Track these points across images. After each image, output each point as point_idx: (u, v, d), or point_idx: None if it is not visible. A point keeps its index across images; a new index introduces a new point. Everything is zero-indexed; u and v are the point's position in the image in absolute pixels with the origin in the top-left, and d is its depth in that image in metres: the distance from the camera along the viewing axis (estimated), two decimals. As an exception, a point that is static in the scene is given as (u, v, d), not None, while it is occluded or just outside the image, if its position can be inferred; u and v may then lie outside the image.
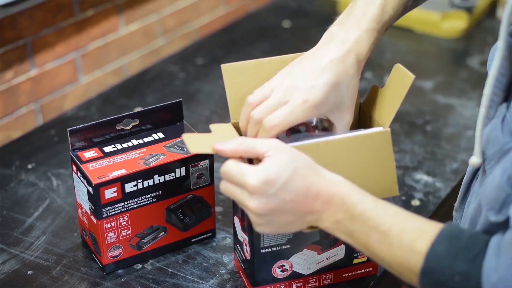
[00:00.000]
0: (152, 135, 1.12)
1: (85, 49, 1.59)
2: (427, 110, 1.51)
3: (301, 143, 0.91)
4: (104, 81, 1.67)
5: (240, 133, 0.97)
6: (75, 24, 1.56)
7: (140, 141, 1.10)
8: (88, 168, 1.04)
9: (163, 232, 1.10)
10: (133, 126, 1.12)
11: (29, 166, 1.33)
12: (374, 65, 1.70)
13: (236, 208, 1.03)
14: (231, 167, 0.85)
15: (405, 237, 0.80)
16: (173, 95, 1.57)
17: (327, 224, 0.85)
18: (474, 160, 0.84)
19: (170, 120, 1.14)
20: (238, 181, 0.85)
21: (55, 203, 1.23)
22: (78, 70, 1.59)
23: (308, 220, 0.86)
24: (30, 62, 1.48)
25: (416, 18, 1.84)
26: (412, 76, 0.93)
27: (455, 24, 1.84)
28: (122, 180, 1.03)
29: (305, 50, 1.71)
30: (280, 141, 0.88)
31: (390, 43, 1.83)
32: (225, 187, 0.87)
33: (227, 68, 0.97)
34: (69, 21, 1.55)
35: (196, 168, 1.08)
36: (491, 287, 0.72)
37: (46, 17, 1.49)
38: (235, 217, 1.04)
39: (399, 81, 0.96)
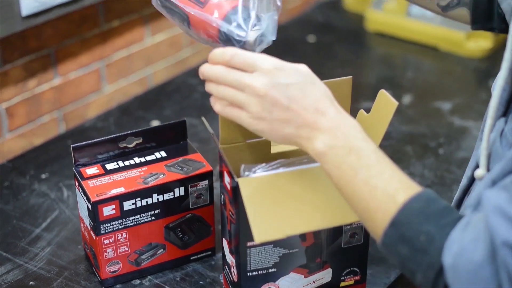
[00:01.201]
0: (155, 153, 1.14)
1: (109, 59, 1.62)
2: (442, 133, 1.51)
3: (283, 170, 0.93)
4: (128, 91, 1.69)
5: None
6: (100, 35, 1.59)
7: (142, 159, 1.12)
8: (89, 185, 1.07)
9: (161, 250, 1.13)
10: (137, 144, 1.14)
11: (43, 176, 1.36)
12: (394, 84, 1.70)
13: (224, 231, 1.05)
14: (238, 51, 0.85)
15: (392, 184, 0.80)
16: (190, 108, 1.59)
17: (320, 145, 0.83)
18: (480, 172, 0.84)
19: (174, 138, 1.16)
20: (249, 64, 0.84)
21: (63, 214, 1.26)
22: (102, 79, 1.62)
23: (302, 132, 0.84)
24: (54, 71, 1.52)
25: (441, 36, 1.83)
26: (395, 103, 0.94)
27: (480, 43, 1.82)
28: (120, 198, 1.05)
29: (328, 66, 1.73)
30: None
31: (414, 61, 1.82)
32: (237, 56, 0.86)
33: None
34: (94, 31, 1.58)
35: (195, 188, 1.10)
36: (450, 255, 0.74)
37: (71, 28, 1.53)
38: (223, 239, 1.06)
39: (384, 107, 0.96)
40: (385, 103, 0.97)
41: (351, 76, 1.03)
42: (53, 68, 1.52)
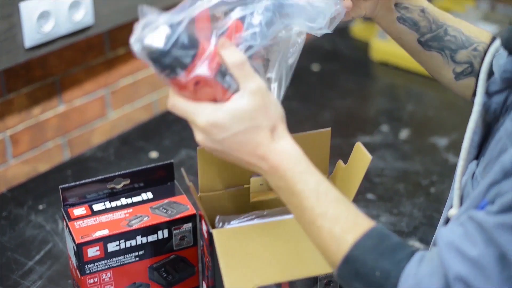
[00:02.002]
0: (142, 194, 1.17)
1: (114, 85, 1.65)
2: (435, 170, 1.52)
3: (257, 222, 0.95)
4: (134, 116, 1.73)
5: None
6: (105, 62, 1.63)
7: (129, 201, 1.16)
8: (75, 226, 1.10)
9: (146, 288, 1.16)
10: (125, 184, 1.17)
11: (40, 207, 1.40)
12: (393, 117, 1.71)
13: (204, 274, 1.08)
14: (182, 103, 0.84)
15: (338, 226, 0.82)
16: (189, 139, 1.60)
17: (271, 184, 0.85)
18: (453, 212, 0.88)
19: (161, 179, 1.19)
20: (185, 117, 0.85)
21: (57, 247, 1.30)
22: (107, 105, 1.66)
23: (252, 169, 0.86)
24: (58, 98, 1.56)
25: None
26: (369, 157, 0.96)
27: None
28: (105, 240, 1.09)
29: (330, 96, 1.75)
30: (262, 84, 0.84)
31: (415, 92, 1.83)
32: (175, 108, 0.85)
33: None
34: (99, 59, 1.61)
35: (179, 230, 1.13)
36: None
37: (76, 56, 1.56)
38: (203, 281, 1.08)
39: (359, 160, 0.99)
40: (361, 157, 0.99)
41: (329, 128, 1.05)
42: (57, 95, 1.55)
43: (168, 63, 0.82)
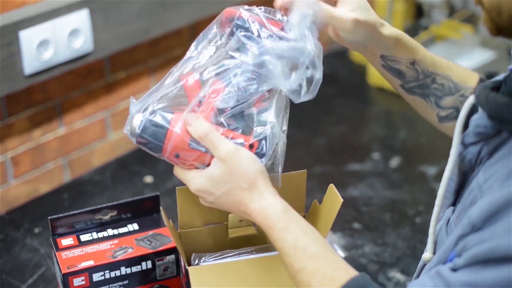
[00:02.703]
0: (128, 225, 1.22)
1: (115, 108, 1.70)
2: (423, 200, 1.55)
3: (231, 260, 0.99)
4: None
5: None
6: (106, 86, 1.67)
7: (116, 231, 1.20)
8: (62, 256, 1.15)
9: (130, 316, 1.20)
10: (112, 215, 1.22)
11: (36, 230, 1.45)
12: (385, 144, 1.74)
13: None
14: (178, 172, 0.97)
15: (315, 280, 0.87)
16: (184, 164, 1.66)
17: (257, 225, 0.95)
18: (427, 256, 0.91)
19: (148, 211, 1.24)
20: (186, 184, 0.97)
21: (49, 271, 1.35)
22: (107, 127, 1.70)
23: (240, 214, 0.95)
24: (59, 121, 1.60)
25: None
26: (340, 200, 1.00)
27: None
28: (90, 271, 1.13)
29: (325, 122, 1.76)
30: (230, 148, 0.92)
31: (409, 118, 1.86)
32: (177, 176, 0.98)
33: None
34: (100, 83, 1.66)
35: (162, 261, 1.17)
36: None
37: (76, 81, 1.61)
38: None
39: (332, 202, 1.03)
40: (333, 198, 1.03)
41: (305, 170, 1.09)
42: (58, 118, 1.60)
43: (148, 145, 0.94)
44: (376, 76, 1.98)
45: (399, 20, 2.02)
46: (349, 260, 1.37)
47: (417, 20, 2.16)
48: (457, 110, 1.06)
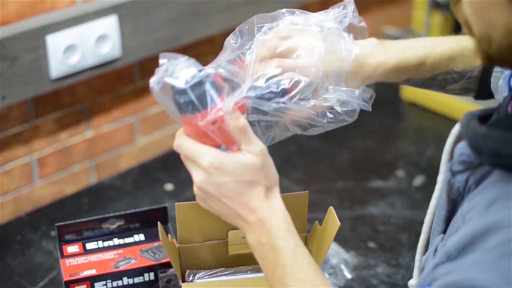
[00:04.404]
0: (134, 235, 1.22)
1: (143, 113, 1.71)
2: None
3: (224, 278, 0.99)
4: (162, 143, 1.78)
5: None
6: (135, 91, 1.69)
7: (121, 241, 1.21)
8: (65, 263, 1.16)
9: (132, 326, 1.21)
10: (120, 224, 1.22)
11: (52, 233, 1.47)
12: (410, 162, 1.71)
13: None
14: (189, 142, 0.90)
15: (303, 285, 0.87)
16: (205, 173, 1.66)
17: (250, 239, 0.90)
18: (411, 282, 0.92)
19: (155, 221, 1.24)
20: (190, 157, 0.91)
21: (60, 276, 1.36)
22: (136, 132, 1.71)
23: (237, 223, 0.91)
24: (86, 124, 1.62)
25: (465, 109, 1.83)
26: (338, 224, 0.99)
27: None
28: (91, 280, 1.14)
29: (351, 136, 1.76)
30: (264, 148, 0.90)
31: (439, 136, 1.82)
32: (181, 147, 0.92)
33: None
34: (129, 88, 1.67)
35: (165, 274, 1.18)
36: None
37: (105, 85, 1.62)
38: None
39: (330, 225, 1.02)
40: (331, 221, 1.02)
41: (307, 191, 1.08)
42: (85, 122, 1.62)
43: (196, 96, 0.88)
44: (409, 91, 1.95)
45: (436, 34, 1.99)
46: (360, 280, 1.36)
47: (455, 33, 2.12)
48: (466, 90, 1.11)
